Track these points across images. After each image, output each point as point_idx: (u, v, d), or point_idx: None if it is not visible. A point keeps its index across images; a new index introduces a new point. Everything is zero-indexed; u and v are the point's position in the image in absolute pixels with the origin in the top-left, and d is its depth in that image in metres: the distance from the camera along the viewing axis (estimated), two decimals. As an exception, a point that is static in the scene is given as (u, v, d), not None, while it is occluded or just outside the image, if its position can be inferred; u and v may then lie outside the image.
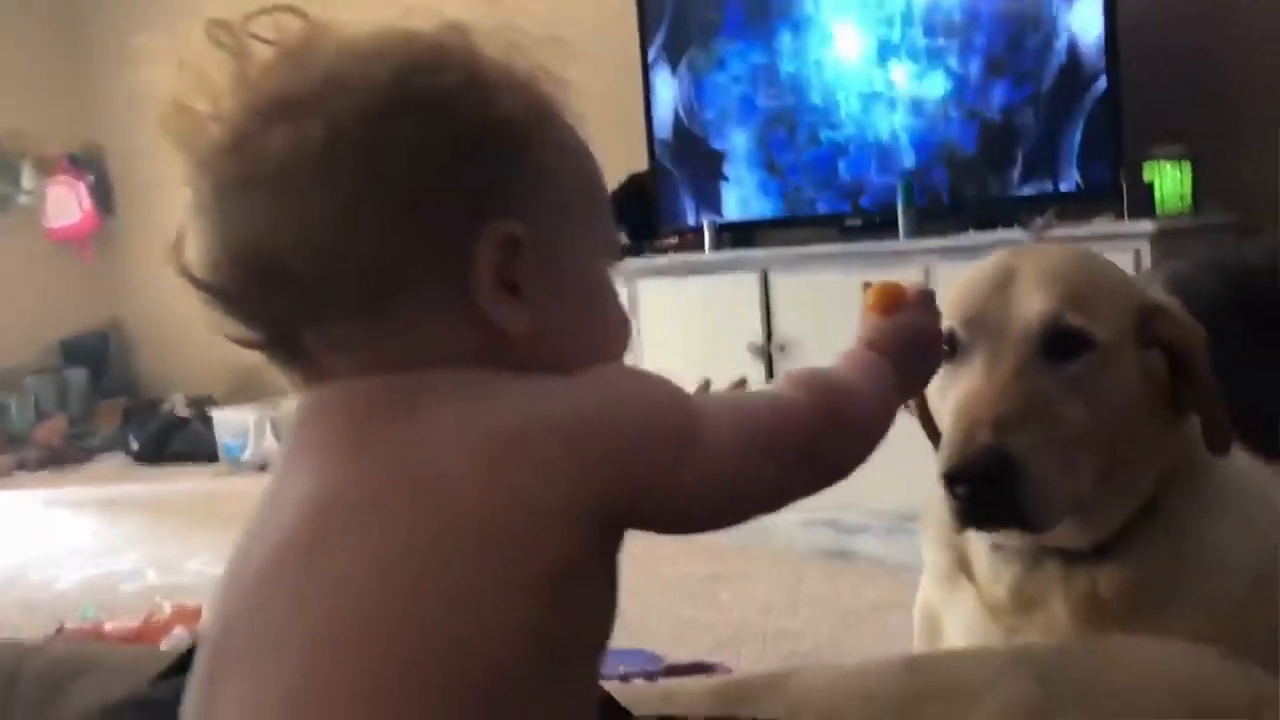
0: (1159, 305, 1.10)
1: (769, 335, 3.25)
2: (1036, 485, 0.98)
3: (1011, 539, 1.08)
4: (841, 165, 3.39)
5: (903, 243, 3.01)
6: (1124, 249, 2.63)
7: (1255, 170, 2.91)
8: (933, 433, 1.16)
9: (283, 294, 0.64)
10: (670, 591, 3.03)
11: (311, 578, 0.59)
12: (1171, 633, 0.96)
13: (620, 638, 2.56)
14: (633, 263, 3.62)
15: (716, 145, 3.66)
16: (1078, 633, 1.02)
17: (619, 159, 3.91)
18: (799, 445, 0.67)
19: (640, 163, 3.81)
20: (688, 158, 3.74)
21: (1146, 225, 2.62)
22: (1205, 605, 1.02)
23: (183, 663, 0.85)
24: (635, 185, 3.85)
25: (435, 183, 0.64)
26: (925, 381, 0.83)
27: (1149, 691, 0.76)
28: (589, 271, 0.72)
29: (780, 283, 3.24)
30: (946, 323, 1.06)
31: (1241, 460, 1.11)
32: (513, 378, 0.64)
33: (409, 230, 0.64)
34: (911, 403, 1.20)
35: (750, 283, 3.29)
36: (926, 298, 0.81)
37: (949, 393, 1.07)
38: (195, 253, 0.65)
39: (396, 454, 0.61)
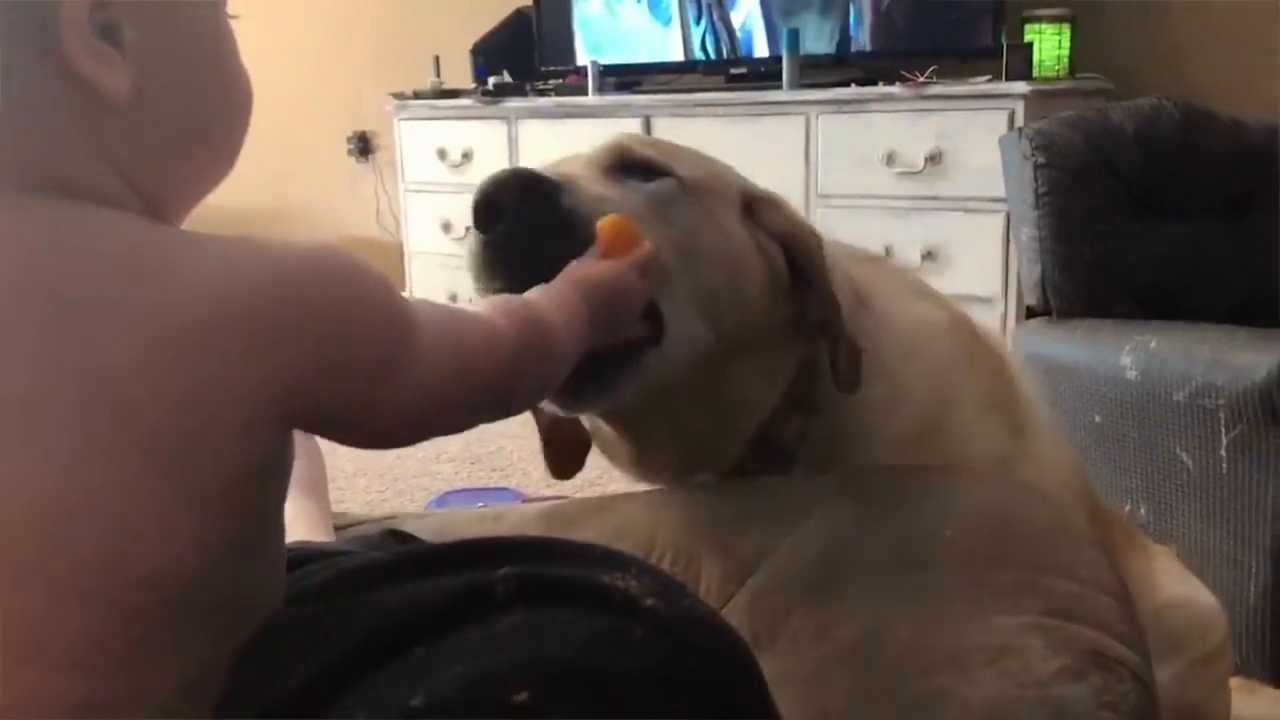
0: (767, 195, 0.97)
1: (649, 183, 3.22)
2: (579, 207, 0.79)
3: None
4: (729, 14, 3.33)
5: (785, 93, 2.99)
6: (999, 109, 2.66)
7: (1132, 37, 2.94)
8: None
9: None
10: (540, 435, 3.05)
11: None
12: None
13: (491, 478, 2.59)
14: (513, 102, 3.53)
15: (604, -16, 3.55)
16: None
17: (503, -7, 3.77)
18: (498, 373, 0.62)
19: (525, -2, 3.69)
20: (574, -4, 3.63)
21: (1022, 87, 2.65)
22: None
23: None
24: (519, 21, 3.72)
25: None
26: (611, 338, 0.77)
27: (955, 512, 0.79)
28: (208, 15, 0.60)
29: (662, 130, 3.19)
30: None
31: (901, 316, 0.99)
32: (186, 233, 0.55)
33: None
34: None
35: (632, 129, 3.24)
36: (650, 259, 0.77)
37: None
38: None
39: (47, 325, 0.51)
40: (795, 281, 0.92)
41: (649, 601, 0.53)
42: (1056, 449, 1.09)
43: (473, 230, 0.79)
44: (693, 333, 0.85)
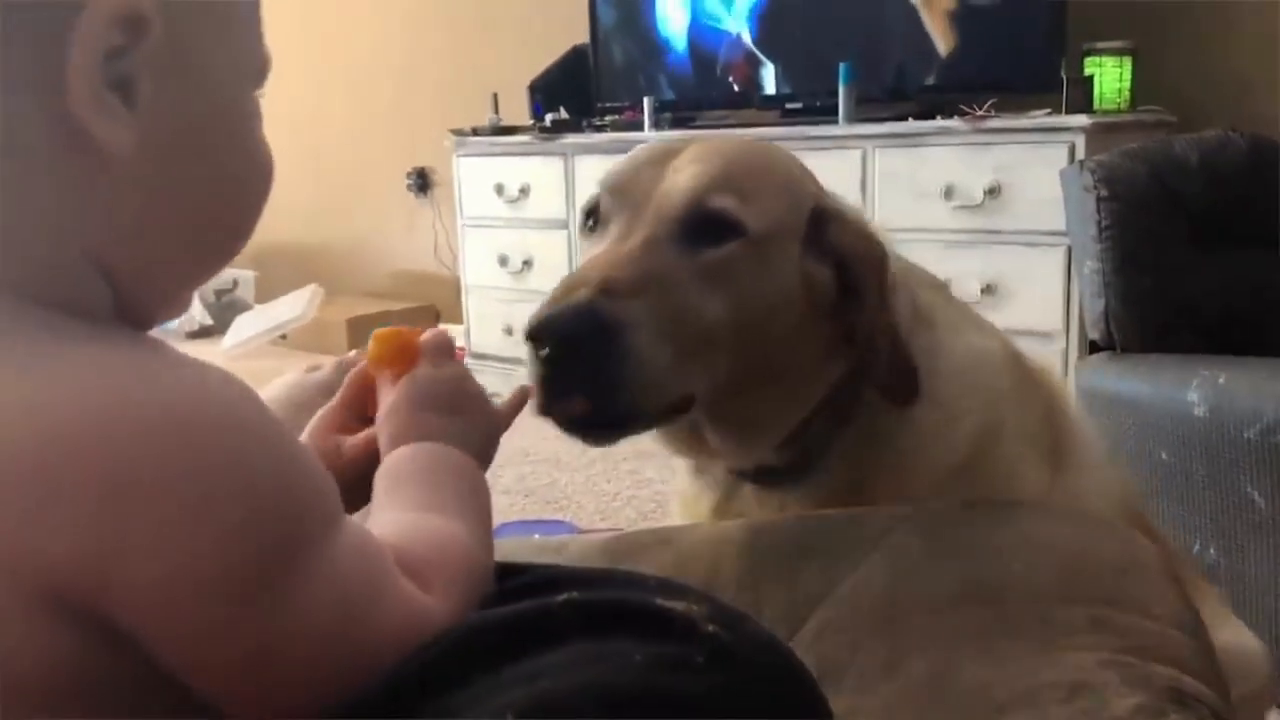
0: (837, 210, 0.96)
1: (705, 217, 3.23)
2: (634, 359, 0.82)
3: (703, 463, 1.02)
4: (786, 47, 3.34)
5: (842, 127, 2.99)
6: (1059, 142, 2.64)
7: (1195, 70, 2.91)
8: None
9: None
10: (595, 466, 3.06)
11: None
12: None
13: (543, 510, 2.61)
14: (570, 138, 3.57)
15: (659, 21, 3.58)
16: None
17: (561, 30, 3.81)
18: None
19: (582, 35, 3.72)
20: (630, 32, 3.66)
21: (1082, 120, 2.62)
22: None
23: None
24: (576, 58, 3.76)
25: None
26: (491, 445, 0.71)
27: (1024, 545, 0.77)
28: (232, 87, 0.56)
29: (718, 164, 3.20)
30: (595, 191, 0.96)
31: (960, 344, 1.01)
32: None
33: None
34: None
35: (688, 163, 3.25)
36: (441, 344, 0.72)
37: None
38: None
39: None
40: (847, 299, 0.93)
41: (710, 627, 0.53)
42: (1104, 484, 1.07)
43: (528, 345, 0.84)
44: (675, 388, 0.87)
